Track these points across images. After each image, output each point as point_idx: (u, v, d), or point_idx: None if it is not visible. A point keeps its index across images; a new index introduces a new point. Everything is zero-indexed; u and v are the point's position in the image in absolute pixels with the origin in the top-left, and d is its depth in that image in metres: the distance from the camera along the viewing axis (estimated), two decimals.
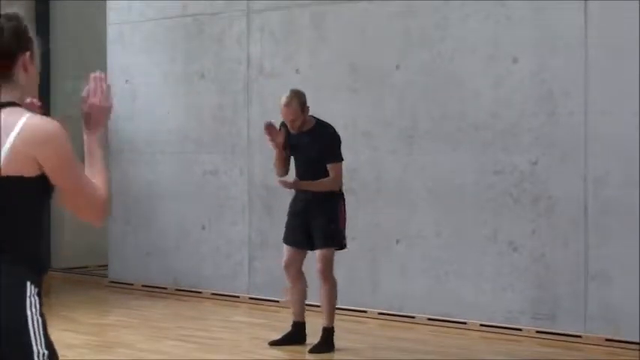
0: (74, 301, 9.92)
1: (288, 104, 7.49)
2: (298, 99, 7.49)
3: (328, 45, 9.26)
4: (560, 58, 7.94)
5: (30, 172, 2.88)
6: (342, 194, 7.62)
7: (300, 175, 7.63)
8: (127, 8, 10.83)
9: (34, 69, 3.05)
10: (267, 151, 9.38)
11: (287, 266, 7.69)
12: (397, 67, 8.81)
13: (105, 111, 3.23)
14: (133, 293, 10.46)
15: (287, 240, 7.71)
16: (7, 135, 2.88)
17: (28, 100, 3.17)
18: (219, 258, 10.06)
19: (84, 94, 3.21)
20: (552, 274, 7.99)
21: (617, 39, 7.66)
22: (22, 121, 2.90)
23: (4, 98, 2.98)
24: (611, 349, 7.60)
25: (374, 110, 8.96)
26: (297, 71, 9.43)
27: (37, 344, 2.86)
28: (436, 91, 8.59)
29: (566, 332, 7.90)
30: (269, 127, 7.59)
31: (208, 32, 10.15)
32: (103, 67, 11.03)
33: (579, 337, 7.82)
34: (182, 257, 10.34)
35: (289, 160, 7.74)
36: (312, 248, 7.61)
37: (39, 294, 2.93)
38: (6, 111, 2.94)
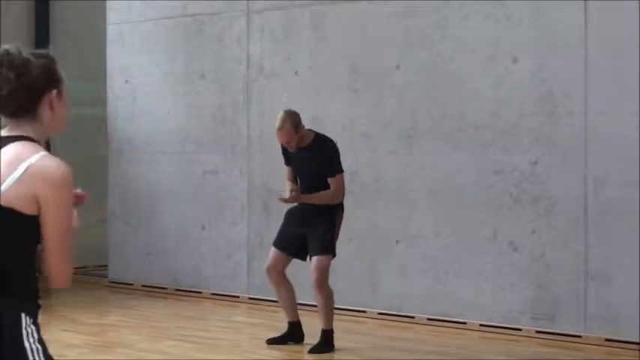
0: (74, 301, 9.92)
1: (280, 127, 7.44)
2: (291, 120, 7.43)
3: (328, 45, 9.26)
4: (560, 58, 7.94)
5: (28, 209, 2.87)
6: (342, 205, 7.60)
7: (302, 189, 7.61)
8: (126, 8, 10.83)
9: (62, 109, 3.03)
10: (267, 152, 9.40)
11: (269, 269, 7.70)
12: (397, 67, 8.81)
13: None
14: (132, 293, 10.46)
15: (277, 244, 7.71)
16: (16, 167, 2.87)
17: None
18: (218, 258, 10.06)
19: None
20: (552, 274, 7.99)
21: (617, 39, 7.66)
22: (33, 157, 2.88)
23: (23, 132, 2.97)
24: (611, 349, 7.60)
25: (374, 110, 8.95)
26: (296, 72, 9.43)
27: None
28: (436, 91, 8.59)
29: (565, 332, 7.90)
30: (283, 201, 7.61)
31: (208, 32, 10.15)
32: (103, 67, 11.04)
33: (579, 337, 7.82)
34: (182, 257, 10.34)
35: (296, 177, 7.72)
36: (302, 257, 7.61)
37: (35, 322, 2.95)
38: (19, 144, 2.92)
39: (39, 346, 2.92)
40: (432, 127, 8.61)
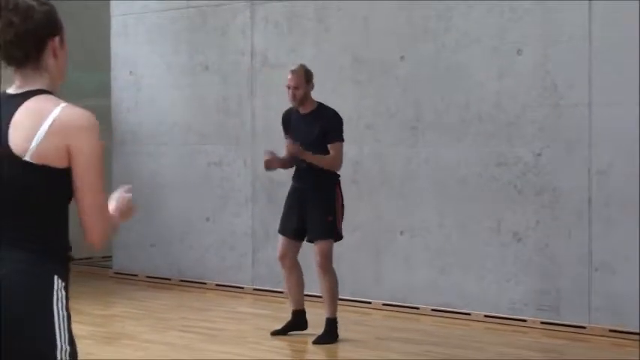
0: (79, 292, 9.90)
1: (294, 71, 7.58)
2: (304, 69, 7.58)
3: (332, 36, 9.26)
4: (564, 50, 7.93)
5: (60, 162, 2.84)
6: (339, 183, 7.57)
7: (301, 160, 7.58)
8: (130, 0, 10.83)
9: (64, 56, 3.01)
10: (271, 143, 9.39)
11: (282, 257, 7.71)
12: (401, 58, 8.80)
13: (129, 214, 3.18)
14: (137, 284, 10.48)
15: (283, 231, 7.72)
16: (41, 123, 2.83)
17: None
18: (223, 249, 10.07)
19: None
20: (556, 265, 7.99)
21: (621, 31, 7.65)
22: (57, 109, 2.85)
23: (35, 85, 2.93)
24: (616, 339, 7.61)
25: (378, 102, 8.96)
26: (300, 63, 9.41)
27: (61, 340, 2.84)
28: (440, 83, 8.59)
29: (570, 323, 7.90)
30: (268, 162, 7.59)
31: (212, 23, 10.15)
32: (107, 59, 11.05)
33: (583, 328, 7.83)
34: (186, 248, 10.36)
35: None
36: (309, 240, 7.61)
37: (66, 288, 2.89)
38: (39, 98, 2.90)
39: (65, 314, 2.87)
40: (436, 118, 8.61)
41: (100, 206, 2.91)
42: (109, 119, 11.09)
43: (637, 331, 7.53)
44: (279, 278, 9.11)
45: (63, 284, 2.88)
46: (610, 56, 7.71)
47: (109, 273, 11.03)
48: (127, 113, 10.87)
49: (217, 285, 10.04)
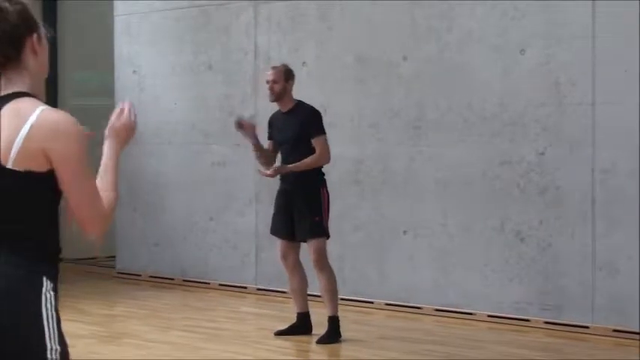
0: (82, 291, 9.94)
1: (274, 67, 7.77)
2: (286, 67, 7.70)
3: (335, 36, 9.25)
4: (567, 49, 7.93)
5: (40, 166, 2.80)
6: (325, 181, 7.60)
7: (284, 159, 7.66)
8: None
9: (43, 52, 2.97)
10: None
11: (283, 257, 7.73)
12: (404, 57, 8.80)
13: (132, 132, 3.25)
14: (140, 284, 10.48)
15: (276, 233, 7.75)
16: (20, 127, 2.80)
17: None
18: (226, 249, 10.07)
19: (117, 111, 3.21)
20: (559, 264, 7.99)
21: (624, 30, 7.64)
22: (36, 113, 2.81)
23: (17, 87, 2.89)
24: (619, 339, 7.60)
25: (381, 101, 8.95)
26: (303, 63, 9.42)
27: (50, 340, 2.81)
28: (443, 82, 8.58)
29: (573, 323, 7.90)
30: (239, 125, 7.65)
31: (215, 23, 10.15)
32: (111, 59, 11.05)
33: (586, 327, 7.82)
34: (190, 248, 10.36)
35: (274, 158, 7.75)
36: (300, 240, 7.62)
37: (55, 289, 2.86)
38: (18, 101, 2.85)
39: (55, 314, 2.84)
40: (439, 117, 8.61)
41: (90, 202, 2.89)
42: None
43: None
44: (282, 278, 9.10)
45: (52, 285, 2.86)
46: (613, 55, 7.70)
47: (112, 273, 11.03)
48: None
49: (220, 285, 10.03)
